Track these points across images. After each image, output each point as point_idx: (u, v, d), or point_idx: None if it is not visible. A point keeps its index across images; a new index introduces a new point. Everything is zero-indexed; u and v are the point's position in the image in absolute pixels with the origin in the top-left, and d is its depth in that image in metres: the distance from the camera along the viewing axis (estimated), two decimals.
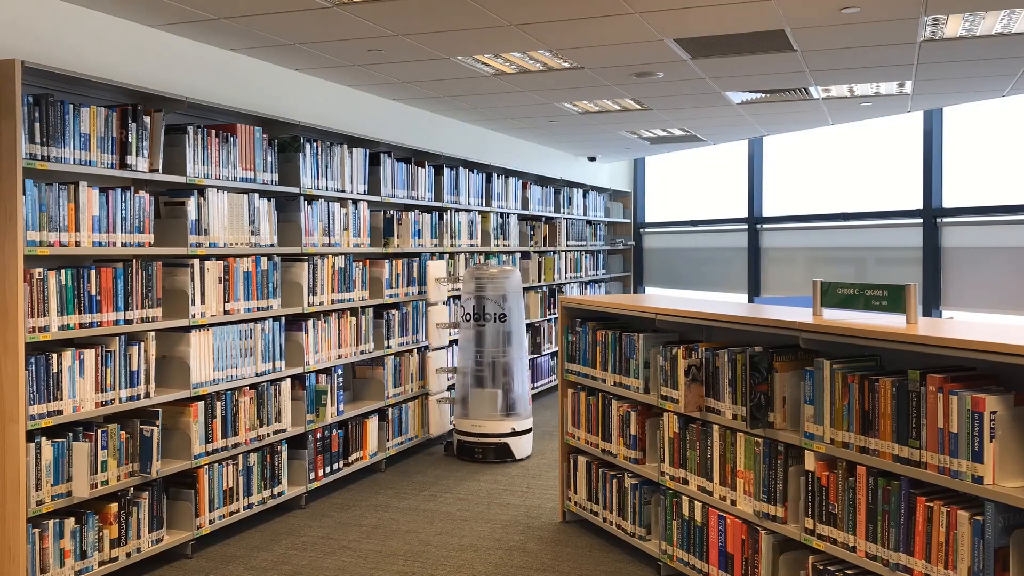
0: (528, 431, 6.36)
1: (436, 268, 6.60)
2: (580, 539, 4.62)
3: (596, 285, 10.81)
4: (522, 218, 8.76)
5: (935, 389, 2.70)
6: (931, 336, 2.77)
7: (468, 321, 6.41)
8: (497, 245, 7.99)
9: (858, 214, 9.13)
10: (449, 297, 6.87)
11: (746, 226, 10.38)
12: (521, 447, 6.25)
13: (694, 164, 11.42)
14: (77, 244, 3.74)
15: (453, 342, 6.92)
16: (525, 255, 8.69)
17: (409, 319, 6.36)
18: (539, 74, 6.09)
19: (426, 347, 6.50)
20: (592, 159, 11.43)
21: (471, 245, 7.47)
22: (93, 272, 3.81)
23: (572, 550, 4.45)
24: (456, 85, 6.42)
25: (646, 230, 12.07)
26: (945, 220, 8.27)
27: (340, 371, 5.53)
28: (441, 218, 6.94)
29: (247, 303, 4.73)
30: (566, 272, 9.75)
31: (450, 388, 6.81)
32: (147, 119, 4.11)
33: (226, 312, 4.57)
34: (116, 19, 4.48)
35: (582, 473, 4.76)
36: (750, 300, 9.97)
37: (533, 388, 8.67)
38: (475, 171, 7.63)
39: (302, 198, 5.21)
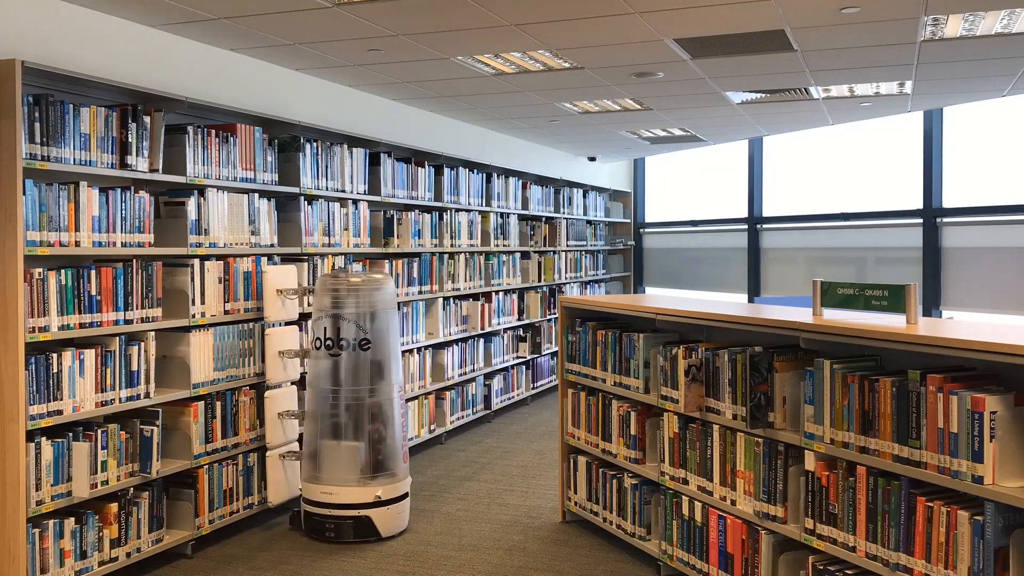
0: (402, 498, 4.69)
1: (278, 276, 4.82)
2: (580, 539, 4.62)
3: (596, 285, 10.81)
4: (522, 218, 8.76)
5: (935, 389, 2.70)
6: (931, 336, 2.77)
7: (319, 349, 4.67)
8: (497, 245, 7.99)
9: (858, 214, 9.13)
10: (302, 316, 5.12)
11: (746, 226, 10.38)
12: (390, 521, 4.59)
13: (694, 164, 11.42)
14: (77, 244, 3.74)
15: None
16: (525, 255, 8.69)
17: (409, 319, 6.36)
18: (539, 74, 6.09)
19: (263, 384, 4.78)
20: (592, 159, 11.43)
21: (471, 245, 7.47)
22: (93, 272, 3.81)
23: (572, 550, 4.45)
24: (456, 85, 6.41)
25: (646, 230, 12.07)
26: (945, 220, 8.26)
27: None
28: (441, 218, 6.94)
29: (247, 303, 4.73)
30: (566, 272, 9.75)
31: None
32: (147, 119, 4.11)
33: (226, 312, 4.56)
34: (116, 19, 4.48)
35: (582, 473, 4.76)
36: (750, 300, 9.97)
37: (533, 388, 8.68)
38: (475, 171, 7.63)
39: (302, 198, 5.21)
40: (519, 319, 8.37)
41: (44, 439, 3.60)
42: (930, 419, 2.72)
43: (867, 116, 8.25)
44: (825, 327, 3.17)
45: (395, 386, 4.79)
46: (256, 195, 4.83)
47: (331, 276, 4.71)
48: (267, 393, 4.75)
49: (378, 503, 4.57)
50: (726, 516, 3.64)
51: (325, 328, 4.67)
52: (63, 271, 3.68)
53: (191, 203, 4.32)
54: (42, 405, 3.59)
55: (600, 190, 11.04)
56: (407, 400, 6.31)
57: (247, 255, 4.75)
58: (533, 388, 8.71)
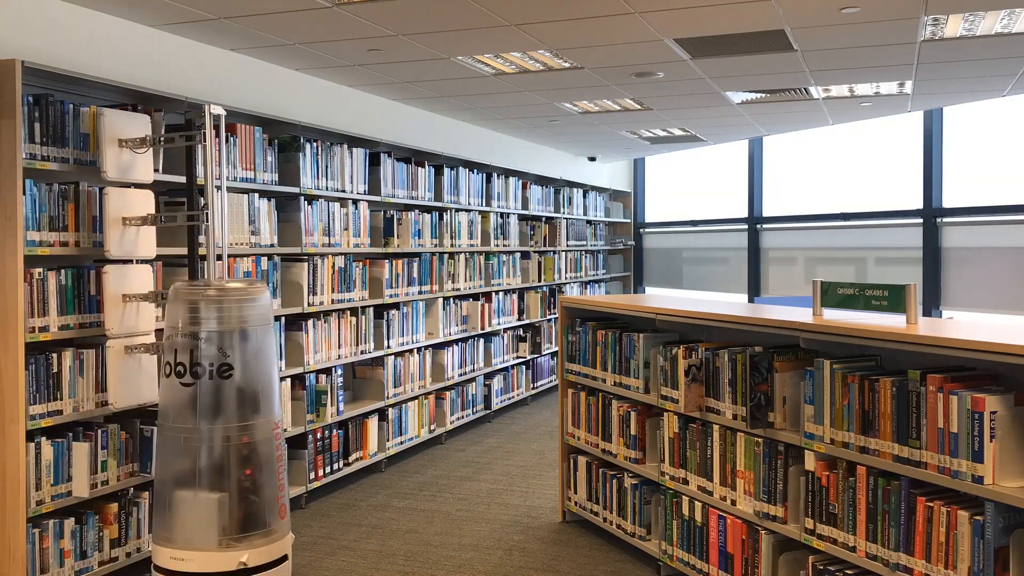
0: (278, 562, 3.62)
1: (121, 277, 3.88)
2: (580, 539, 4.62)
3: (596, 285, 10.81)
4: (522, 218, 8.76)
5: (935, 389, 2.70)
6: (931, 336, 2.77)
7: (169, 376, 3.56)
8: (497, 245, 7.99)
9: (858, 214, 9.13)
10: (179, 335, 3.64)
11: (746, 226, 10.38)
12: None
13: (694, 164, 11.42)
14: (77, 244, 3.74)
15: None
16: (525, 255, 8.69)
17: (409, 319, 6.36)
18: (539, 74, 6.09)
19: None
20: (592, 159, 11.43)
21: (471, 245, 7.47)
22: (93, 272, 3.81)
23: (572, 550, 4.45)
24: (456, 85, 6.42)
25: (646, 230, 12.07)
26: (945, 220, 8.26)
27: (340, 371, 5.54)
28: (441, 218, 6.94)
29: None
30: (566, 272, 9.75)
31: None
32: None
33: None
34: (116, 19, 4.48)
35: (582, 473, 4.76)
36: (750, 300, 9.97)
37: (533, 388, 8.68)
38: (475, 171, 7.63)
39: (302, 198, 5.21)
40: (519, 319, 8.37)
41: (44, 439, 3.60)
42: (930, 419, 2.72)
43: (867, 116, 8.25)
44: (825, 327, 3.17)
45: (271, 422, 3.71)
46: (256, 195, 4.83)
47: (187, 284, 3.65)
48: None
49: (243, 572, 3.51)
50: (726, 516, 3.64)
51: (176, 350, 3.54)
52: (63, 271, 3.68)
53: None
54: (42, 405, 3.59)
55: (600, 190, 11.04)
56: (406, 400, 6.32)
57: (247, 255, 4.75)
58: (533, 388, 8.72)
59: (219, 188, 3.96)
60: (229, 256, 4.61)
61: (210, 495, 3.56)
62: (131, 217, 3.89)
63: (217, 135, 3.95)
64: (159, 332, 4.07)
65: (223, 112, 3.92)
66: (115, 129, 3.85)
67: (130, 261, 3.96)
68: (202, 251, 4.38)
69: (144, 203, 3.96)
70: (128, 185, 3.97)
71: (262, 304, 3.70)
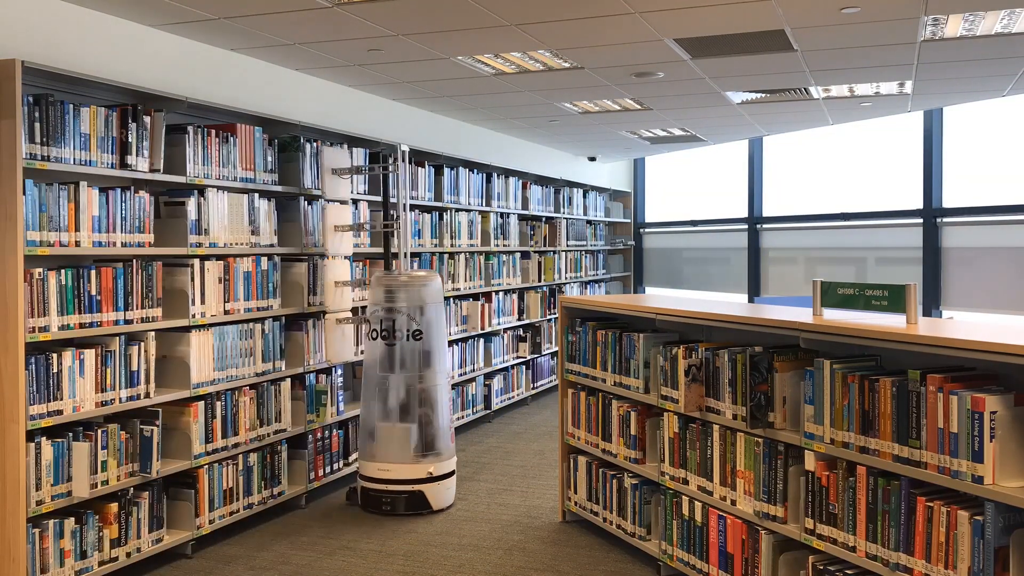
0: (450, 474, 5.16)
1: (333, 268, 5.35)
2: (580, 539, 4.62)
3: (596, 285, 10.81)
4: (522, 218, 8.76)
5: (935, 389, 2.70)
6: (931, 336, 2.77)
7: (376, 339, 5.12)
8: (497, 245, 7.99)
9: (858, 214, 9.13)
10: (355, 308, 5.61)
11: (746, 226, 10.38)
12: (440, 496, 5.06)
13: (694, 164, 11.42)
14: (77, 244, 3.74)
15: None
16: (525, 255, 8.69)
17: None
18: (539, 74, 6.09)
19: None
20: (592, 159, 11.43)
21: (471, 245, 7.47)
22: (93, 272, 3.81)
23: (572, 550, 4.45)
24: (456, 85, 6.42)
25: (646, 230, 12.07)
26: (945, 220, 8.26)
27: (340, 371, 5.53)
28: (441, 218, 6.94)
29: (247, 303, 4.73)
30: (566, 272, 9.75)
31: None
32: (147, 119, 4.11)
33: (226, 312, 4.57)
34: (116, 19, 4.48)
35: (582, 473, 4.76)
36: (750, 300, 9.97)
37: (533, 388, 8.69)
38: (475, 171, 7.63)
39: (302, 198, 5.21)
40: (519, 319, 8.37)
41: (44, 439, 3.60)
42: (930, 419, 2.72)
43: (867, 116, 8.25)
44: (825, 327, 3.17)
45: (443, 373, 5.26)
46: (256, 195, 4.83)
47: (385, 274, 5.24)
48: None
49: (429, 479, 5.02)
50: (726, 516, 3.64)
51: (381, 320, 5.12)
52: (63, 271, 3.68)
53: (191, 203, 4.32)
54: (42, 405, 3.59)
55: (600, 190, 11.04)
56: None
57: (247, 255, 4.75)
58: (533, 388, 8.71)
59: (405, 206, 5.47)
60: (228, 256, 4.63)
61: (404, 425, 5.09)
62: (341, 225, 5.34)
63: (404, 164, 5.47)
64: (356, 309, 5.60)
65: (407, 148, 5.55)
66: (330, 160, 5.32)
67: (335, 256, 5.35)
68: (200, 251, 4.39)
69: (346, 215, 5.44)
70: (335, 202, 5.38)
71: (435, 288, 5.22)
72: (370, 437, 5.11)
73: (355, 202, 5.76)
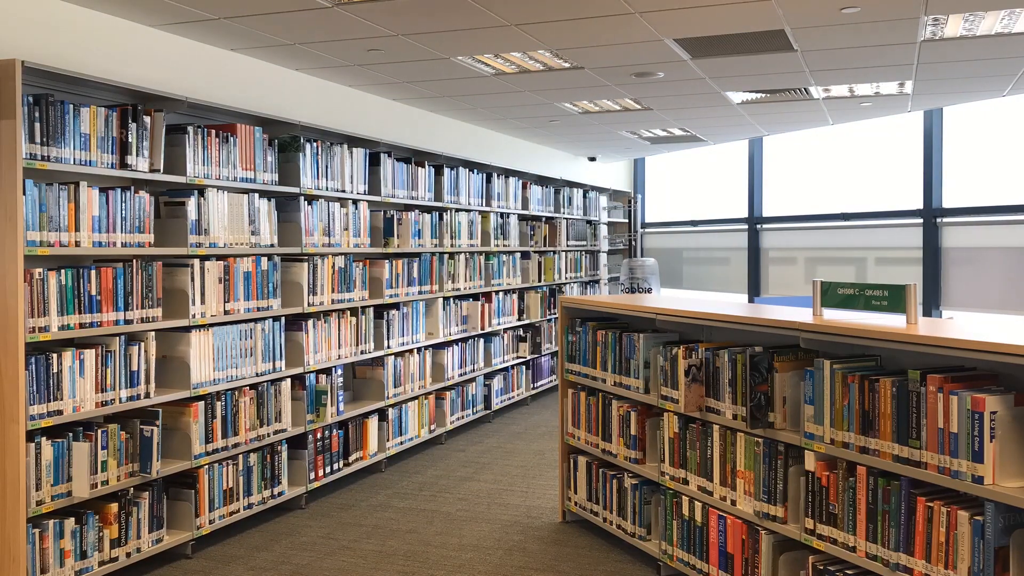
0: None
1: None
2: (580, 539, 4.62)
3: (596, 285, 10.81)
4: (522, 218, 8.76)
5: (935, 389, 2.70)
6: (931, 336, 2.77)
7: None
8: (497, 245, 7.99)
9: (858, 214, 9.13)
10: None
11: (746, 226, 10.38)
12: None
13: (694, 164, 11.42)
14: (77, 244, 3.74)
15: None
16: (525, 255, 8.69)
17: (409, 319, 6.36)
18: (539, 74, 6.09)
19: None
20: (592, 159, 11.43)
21: (471, 245, 7.47)
22: (93, 272, 3.81)
23: (572, 550, 4.45)
24: (456, 85, 6.42)
25: (646, 230, 12.07)
26: (945, 220, 8.27)
27: (340, 371, 5.53)
28: (441, 218, 6.94)
29: (247, 303, 4.73)
30: (566, 272, 9.75)
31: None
32: (147, 119, 4.11)
33: (226, 312, 4.57)
34: (116, 19, 4.48)
35: (582, 473, 4.76)
36: (750, 300, 9.97)
37: (533, 388, 8.69)
38: (475, 171, 7.63)
39: (302, 198, 5.21)
40: (519, 319, 8.37)
41: (44, 439, 3.60)
42: (930, 419, 2.72)
43: (867, 116, 8.25)
44: (825, 327, 3.17)
45: None
46: (256, 195, 4.83)
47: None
48: None
49: None
50: (726, 516, 3.64)
51: None
52: (63, 271, 3.68)
53: (191, 203, 4.32)
54: (42, 405, 3.59)
55: (600, 190, 11.04)
56: (406, 401, 6.32)
57: (247, 255, 4.75)
58: (533, 388, 8.71)
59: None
60: (228, 256, 4.62)
61: None
62: None
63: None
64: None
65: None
66: None
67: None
68: (200, 251, 4.38)
69: None
70: None
71: None
72: None
73: (355, 202, 5.76)
